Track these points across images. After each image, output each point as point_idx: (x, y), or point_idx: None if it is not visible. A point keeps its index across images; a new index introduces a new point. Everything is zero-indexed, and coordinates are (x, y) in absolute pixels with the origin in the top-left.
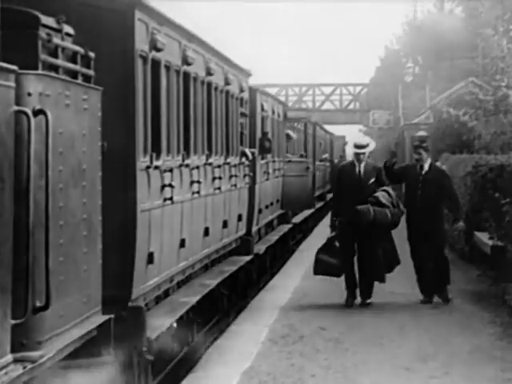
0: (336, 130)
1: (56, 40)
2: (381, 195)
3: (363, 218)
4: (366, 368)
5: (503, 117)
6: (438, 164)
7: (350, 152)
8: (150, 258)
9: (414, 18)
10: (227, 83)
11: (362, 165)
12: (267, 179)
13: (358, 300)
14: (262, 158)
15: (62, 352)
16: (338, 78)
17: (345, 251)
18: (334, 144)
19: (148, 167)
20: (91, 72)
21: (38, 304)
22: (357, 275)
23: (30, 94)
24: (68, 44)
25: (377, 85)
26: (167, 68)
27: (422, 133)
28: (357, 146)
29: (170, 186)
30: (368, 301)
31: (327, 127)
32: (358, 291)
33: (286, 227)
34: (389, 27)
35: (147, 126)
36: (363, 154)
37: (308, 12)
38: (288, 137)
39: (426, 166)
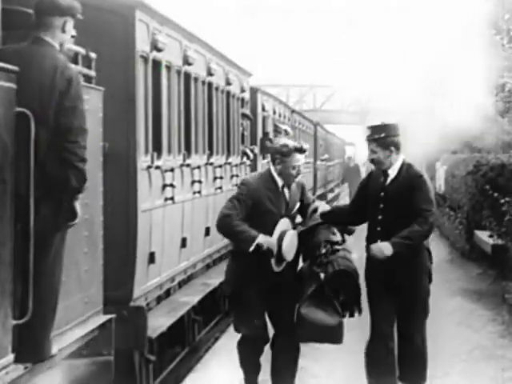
0: (336, 129)
1: None
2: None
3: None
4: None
5: (505, 114)
6: (414, 167)
7: (350, 152)
8: (152, 258)
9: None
10: (228, 83)
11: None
12: None
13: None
14: (263, 158)
15: (63, 352)
16: (339, 78)
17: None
18: (333, 145)
19: (149, 167)
20: (92, 72)
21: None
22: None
23: None
24: (69, 44)
25: (377, 86)
26: (168, 68)
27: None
28: (297, 149)
29: (171, 185)
30: None
31: (328, 127)
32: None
33: None
34: (389, 28)
35: (148, 125)
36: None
37: (308, 11)
38: (286, 132)
39: (393, 172)
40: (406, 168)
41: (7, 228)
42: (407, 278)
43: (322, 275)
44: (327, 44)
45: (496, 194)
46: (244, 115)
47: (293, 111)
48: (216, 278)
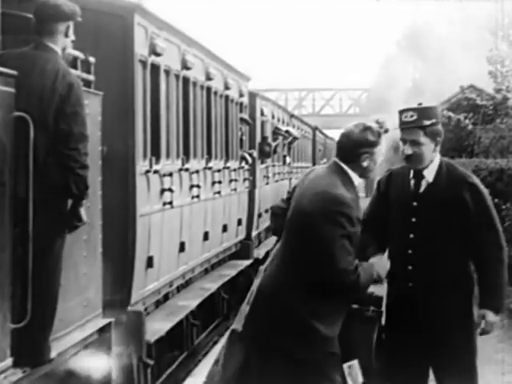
0: (335, 134)
1: None
2: None
3: None
4: None
5: (500, 122)
6: (458, 166)
7: None
8: (150, 262)
9: (413, 23)
10: (227, 88)
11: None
12: (267, 183)
13: None
14: (262, 163)
15: (62, 356)
16: (338, 82)
17: None
18: (333, 149)
19: (147, 171)
20: (91, 77)
21: None
22: None
23: None
24: (69, 49)
25: (376, 89)
26: (167, 72)
27: None
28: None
29: (170, 190)
30: None
31: (326, 132)
32: None
33: None
34: (389, 31)
35: (147, 130)
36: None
37: (307, 15)
38: (288, 133)
39: (430, 173)
40: (446, 168)
41: (6, 231)
42: (451, 313)
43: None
44: (326, 46)
45: (496, 200)
46: (243, 120)
47: (291, 116)
48: (214, 282)
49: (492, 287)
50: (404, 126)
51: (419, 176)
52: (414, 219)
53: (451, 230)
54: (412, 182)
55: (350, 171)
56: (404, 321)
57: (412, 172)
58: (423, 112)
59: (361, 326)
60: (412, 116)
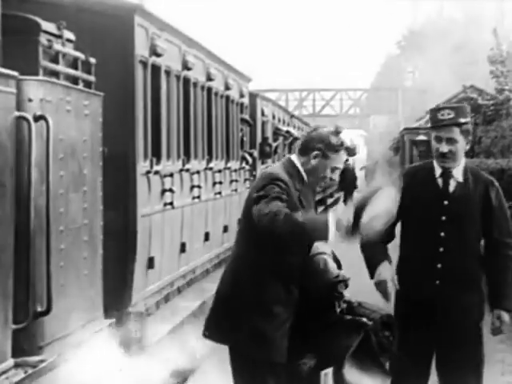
0: None
1: (57, 46)
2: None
3: None
4: None
5: (504, 119)
6: (479, 169)
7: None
8: (151, 263)
9: (413, 23)
10: (227, 88)
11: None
12: None
13: None
14: (263, 163)
15: (63, 356)
16: (339, 83)
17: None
18: None
19: (148, 172)
20: (92, 78)
21: (39, 309)
22: None
23: (30, 100)
24: (69, 50)
25: (377, 90)
26: (167, 73)
27: (422, 137)
28: (348, 148)
29: (171, 190)
30: None
31: None
32: None
33: None
34: (389, 32)
35: (147, 130)
36: None
37: (308, 16)
38: (288, 134)
39: (458, 173)
40: (469, 170)
41: (7, 232)
42: (473, 309)
43: (369, 322)
44: (326, 46)
45: None
46: (243, 120)
47: (292, 116)
48: (215, 283)
49: (507, 287)
50: (442, 124)
51: (447, 176)
52: (444, 218)
53: (477, 229)
54: (439, 180)
55: (299, 165)
56: (420, 320)
57: (439, 171)
58: (460, 110)
59: (346, 336)
60: (449, 114)
